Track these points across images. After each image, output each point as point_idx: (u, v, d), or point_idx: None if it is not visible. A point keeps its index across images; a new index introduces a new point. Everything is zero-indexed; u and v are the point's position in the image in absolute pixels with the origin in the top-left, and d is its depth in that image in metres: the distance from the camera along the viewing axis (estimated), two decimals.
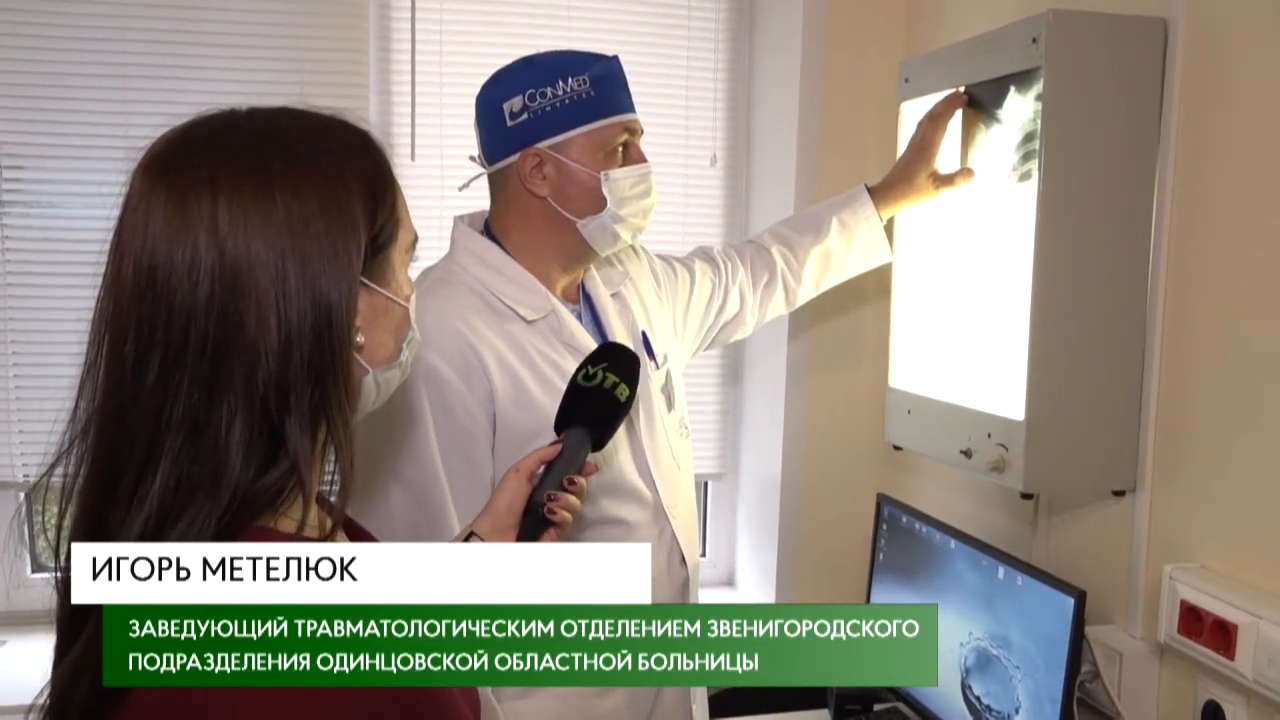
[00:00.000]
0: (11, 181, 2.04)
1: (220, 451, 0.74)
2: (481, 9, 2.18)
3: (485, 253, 1.48)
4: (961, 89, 1.65)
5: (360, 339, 0.81)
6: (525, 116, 1.44)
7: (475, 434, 1.39)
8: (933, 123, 1.68)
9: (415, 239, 0.90)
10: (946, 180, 1.68)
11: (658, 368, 1.57)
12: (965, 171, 1.65)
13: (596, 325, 1.54)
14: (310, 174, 0.79)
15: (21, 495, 2.15)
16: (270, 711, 0.70)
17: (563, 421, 1.27)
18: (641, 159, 1.49)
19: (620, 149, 1.47)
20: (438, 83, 2.15)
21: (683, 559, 1.54)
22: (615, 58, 1.49)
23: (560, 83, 1.43)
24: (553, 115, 1.44)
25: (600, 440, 1.26)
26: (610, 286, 1.58)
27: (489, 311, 1.43)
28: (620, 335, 1.53)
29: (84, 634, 0.76)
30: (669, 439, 1.55)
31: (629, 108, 1.48)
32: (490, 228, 1.51)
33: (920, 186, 1.71)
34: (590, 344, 1.47)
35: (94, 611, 0.75)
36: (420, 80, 2.15)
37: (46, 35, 2.01)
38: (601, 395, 1.26)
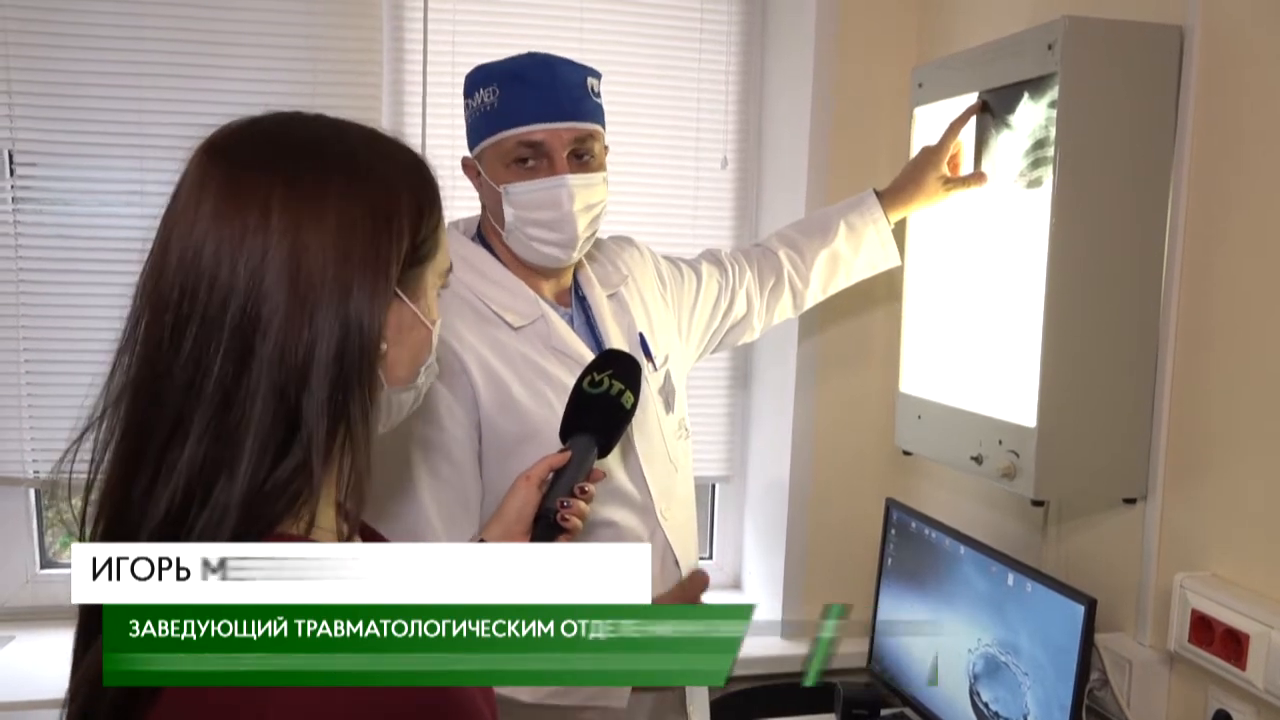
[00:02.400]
0: (25, 179, 2.05)
1: (242, 432, 0.74)
2: (494, 12, 2.18)
3: (475, 259, 1.48)
4: (975, 96, 1.64)
5: (384, 346, 0.81)
6: (465, 127, 1.49)
7: (462, 441, 1.39)
8: (947, 128, 1.67)
9: (449, 268, 0.90)
10: (957, 183, 1.68)
11: (655, 369, 1.56)
12: (977, 175, 1.64)
13: (590, 328, 1.53)
14: (365, 176, 0.81)
15: (32, 491, 2.16)
16: (300, 712, 0.70)
17: (569, 428, 1.27)
18: (553, 172, 1.40)
19: (527, 162, 1.41)
20: (450, 85, 2.15)
21: (676, 562, 1.53)
22: (544, 59, 1.44)
23: (476, 94, 1.44)
24: (471, 127, 1.47)
25: (606, 446, 1.26)
26: (608, 287, 1.57)
27: (475, 317, 1.43)
28: (615, 337, 1.52)
29: None
30: (665, 441, 1.54)
31: (537, 118, 1.40)
32: (481, 232, 1.53)
33: (929, 189, 1.71)
34: (580, 348, 1.46)
35: None
36: (432, 83, 2.15)
37: (60, 34, 2.02)
38: (608, 402, 1.26)
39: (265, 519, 0.76)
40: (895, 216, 1.77)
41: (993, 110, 1.61)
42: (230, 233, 0.76)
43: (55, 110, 2.04)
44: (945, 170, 1.69)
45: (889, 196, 1.76)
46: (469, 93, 1.47)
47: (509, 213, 1.43)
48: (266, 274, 0.75)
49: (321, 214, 0.77)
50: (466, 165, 1.49)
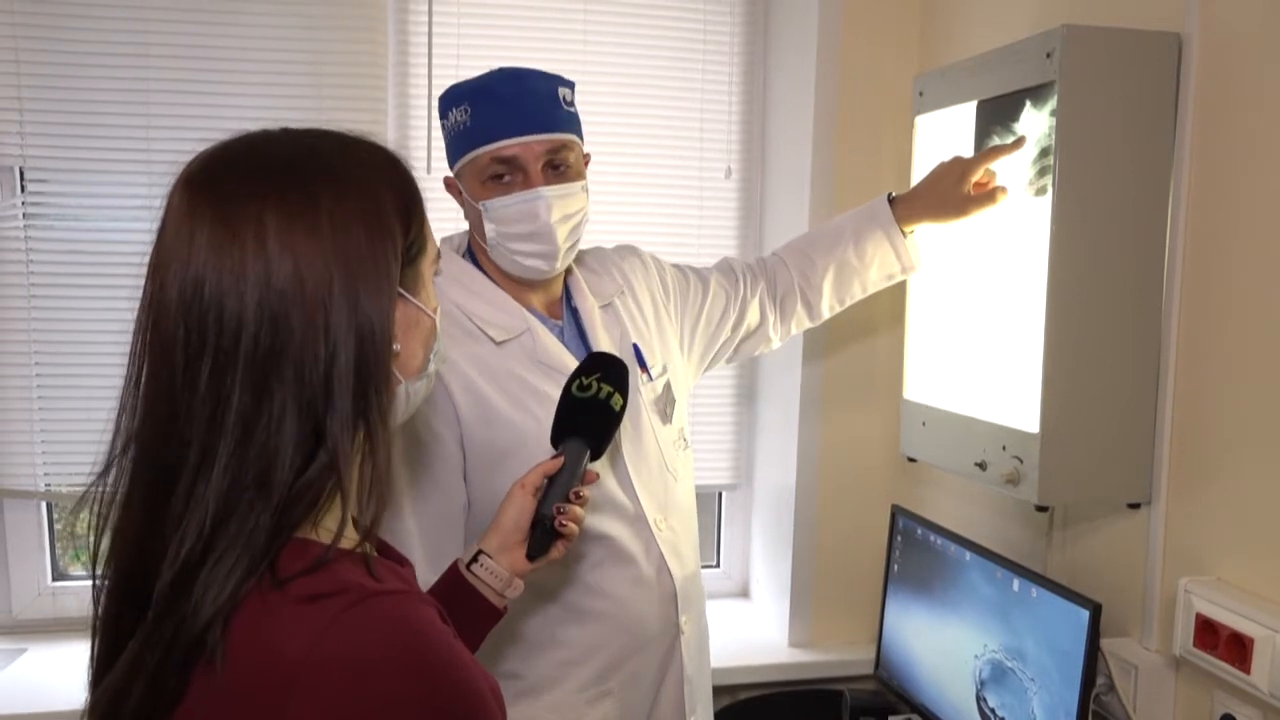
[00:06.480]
0: (36, 194, 2.07)
1: (269, 453, 0.75)
2: (498, 26, 2.20)
3: (463, 275, 1.49)
4: (978, 105, 1.65)
5: (397, 346, 0.83)
6: (445, 146, 1.50)
7: (444, 457, 1.40)
8: (986, 150, 1.60)
9: (438, 254, 0.92)
10: (983, 200, 1.59)
11: (650, 380, 1.56)
12: (1000, 189, 1.58)
13: (582, 339, 1.53)
14: (348, 184, 0.81)
15: (43, 504, 2.17)
16: (321, 716, 0.72)
17: (560, 433, 1.28)
18: (529, 185, 1.42)
19: (503, 177, 1.43)
20: None
21: (670, 573, 1.52)
22: (513, 72, 1.45)
23: (450, 113, 1.46)
24: (450, 145, 1.49)
25: (598, 450, 1.27)
26: (601, 298, 1.57)
27: (459, 333, 1.44)
28: (606, 348, 1.51)
29: (132, 642, 0.77)
30: (662, 451, 1.54)
31: (509, 133, 1.41)
32: (470, 247, 1.54)
33: (952, 203, 1.62)
34: (566, 360, 1.46)
35: (140, 617, 0.76)
36: (437, 96, 2.16)
37: (71, 51, 2.04)
38: (597, 405, 1.27)
39: (289, 527, 0.77)
40: (911, 226, 1.70)
41: (995, 119, 1.62)
42: (230, 262, 0.76)
43: (66, 126, 2.06)
44: (969, 189, 1.61)
45: (905, 203, 1.70)
46: (443, 113, 1.48)
47: (489, 228, 1.45)
48: (274, 298, 0.76)
49: (315, 228, 0.77)
50: (449, 184, 1.51)
